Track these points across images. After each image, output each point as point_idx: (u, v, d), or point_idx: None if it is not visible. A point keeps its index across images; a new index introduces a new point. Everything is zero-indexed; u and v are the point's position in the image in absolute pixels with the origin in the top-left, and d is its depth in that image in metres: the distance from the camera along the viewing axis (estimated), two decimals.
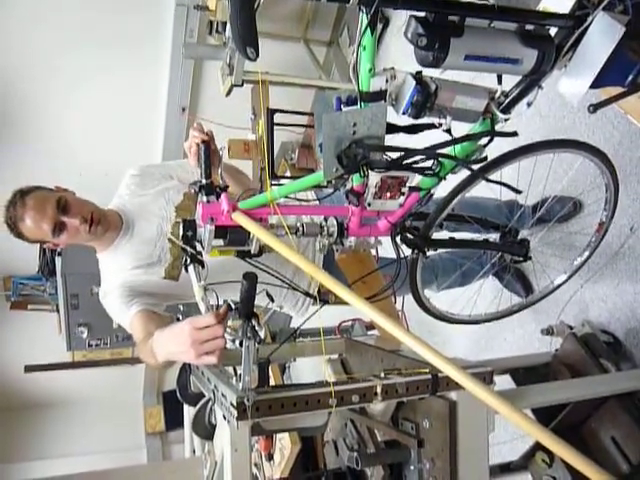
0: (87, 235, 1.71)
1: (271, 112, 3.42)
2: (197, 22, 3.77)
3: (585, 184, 2.13)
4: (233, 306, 1.16)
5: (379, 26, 1.10)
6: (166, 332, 1.28)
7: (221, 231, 1.36)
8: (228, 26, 3.12)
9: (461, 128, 1.31)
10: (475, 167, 1.35)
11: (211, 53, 3.69)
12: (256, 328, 1.10)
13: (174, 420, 5.37)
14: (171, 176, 1.90)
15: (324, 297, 1.63)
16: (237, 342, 1.12)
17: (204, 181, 1.41)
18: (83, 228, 1.68)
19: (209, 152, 1.51)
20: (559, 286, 2.06)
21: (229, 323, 1.16)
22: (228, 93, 3.49)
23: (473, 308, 2.04)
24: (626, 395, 1.63)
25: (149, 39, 3.88)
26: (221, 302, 1.33)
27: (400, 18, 3.48)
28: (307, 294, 1.67)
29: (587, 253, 1.97)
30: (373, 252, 1.80)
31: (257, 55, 1.06)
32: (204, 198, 1.40)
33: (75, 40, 3.68)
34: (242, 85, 3.39)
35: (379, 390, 1.20)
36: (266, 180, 1.99)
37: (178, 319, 4.38)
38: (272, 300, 1.27)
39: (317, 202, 1.87)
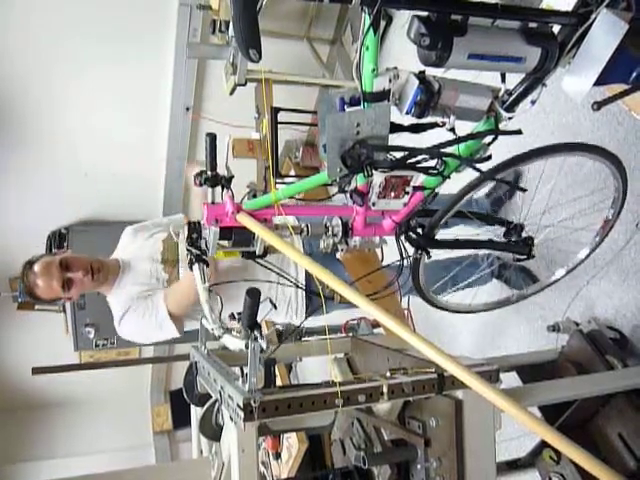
0: (92, 283, 1.97)
1: (275, 111, 3.43)
2: (200, 21, 3.77)
3: (594, 183, 2.12)
4: (236, 316, 1.17)
5: (382, 25, 1.09)
6: None
7: (226, 232, 1.36)
8: (231, 25, 3.13)
9: (465, 127, 1.31)
10: (484, 168, 1.34)
11: (214, 52, 3.68)
12: (258, 339, 1.11)
13: (182, 419, 5.39)
14: (160, 224, 2.23)
15: (328, 295, 1.64)
16: (243, 344, 1.13)
17: (209, 173, 1.41)
18: (87, 278, 1.94)
19: (215, 144, 1.51)
20: (558, 280, 2.06)
21: (235, 326, 1.17)
22: (232, 92, 3.49)
23: (474, 298, 2.04)
24: (633, 392, 1.63)
25: (152, 39, 3.88)
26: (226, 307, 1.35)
27: (403, 16, 3.46)
28: (312, 292, 1.68)
29: (590, 249, 1.98)
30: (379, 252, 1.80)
31: (260, 57, 1.06)
32: (209, 190, 1.41)
33: (78, 39, 3.68)
34: (245, 84, 3.40)
35: (385, 390, 1.20)
36: (270, 179, 1.99)
37: None
38: (275, 307, 1.29)
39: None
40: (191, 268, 1.42)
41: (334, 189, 1.47)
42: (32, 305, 4.52)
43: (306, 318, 1.57)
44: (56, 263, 1.93)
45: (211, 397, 1.37)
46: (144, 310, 1.96)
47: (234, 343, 1.19)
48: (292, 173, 4.21)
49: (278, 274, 1.55)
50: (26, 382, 4.95)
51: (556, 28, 1.18)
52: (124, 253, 2.14)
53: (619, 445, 1.67)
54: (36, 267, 1.94)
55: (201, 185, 1.42)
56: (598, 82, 1.16)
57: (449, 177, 1.36)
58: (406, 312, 2.03)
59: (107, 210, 4.39)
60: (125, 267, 2.06)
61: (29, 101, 3.90)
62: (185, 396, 1.54)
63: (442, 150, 1.27)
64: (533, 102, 1.28)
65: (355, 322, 2.53)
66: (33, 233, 4.14)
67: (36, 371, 3.30)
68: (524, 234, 1.75)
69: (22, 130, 3.97)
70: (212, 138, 1.50)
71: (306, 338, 3.01)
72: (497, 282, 2.42)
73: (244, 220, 1.34)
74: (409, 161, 1.26)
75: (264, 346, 1.12)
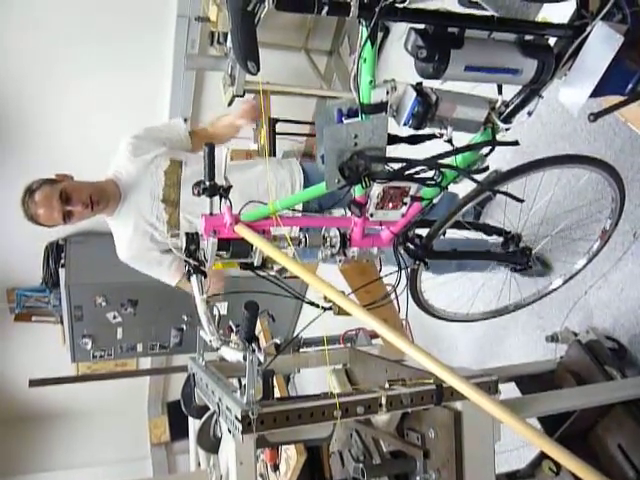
0: (91, 213, 2.00)
1: (273, 121, 3.44)
2: (198, 33, 3.79)
3: (591, 194, 2.13)
4: (234, 328, 1.17)
5: (379, 37, 1.10)
6: None
7: (224, 243, 1.36)
8: (229, 37, 3.14)
9: (462, 138, 1.32)
10: (482, 180, 1.35)
11: (213, 64, 3.70)
12: (256, 351, 1.11)
13: (179, 430, 5.37)
14: (162, 141, 2.12)
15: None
16: (241, 355, 1.13)
17: (207, 182, 1.42)
18: (87, 210, 1.97)
19: (214, 154, 1.51)
20: (555, 289, 2.06)
21: (232, 338, 1.17)
22: (230, 103, 3.50)
23: (471, 307, 2.05)
24: (632, 402, 1.62)
25: (150, 50, 3.89)
26: (223, 312, 1.35)
27: (400, 28, 3.49)
28: (312, 303, 1.67)
29: (588, 259, 1.98)
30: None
31: (258, 69, 1.07)
32: (207, 200, 1.40)
33: (76, 51, 3.69)
34: (243, 95, 3.41)
35: (384, 401, 1.20)
36: (268, 189, 2.00)
37: (181, 329, 4.40)
38: (273, 320, 1.29)
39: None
40: (189, 279, 1.42)
41: None
42: (29, 316, 4.52)
43: (306, 326, 1.55)
44: (56, 195, 1.92)
45: (209, 409, 1.37)
46: (154, 266, 2.05)
47: (232, 355, 1.19)
48: None
49: (278, 285, 1.54)
50: (23, 394, 4.92)
51: (552, 40, 1.18)
52: (123, 174, 2.07)
53: (619, 456, 1.66)
54: (37, 197, 1.94)
55: (199, 195, 1.42)
56: (594, 94, 1.17)
57: (446, 188, 1.37)
58: (404, 322, 2.03)
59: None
60: (126, 195, 2.04)
61: (25, 110, 3.90)
62: (183, 408, 1.53)
63: (440, 161, 1.27)
64: (530, 113, 1.29)
65: (353, 333, 2.53)
66: (30, 244, 4.14)
67: (33, 383, 3.29)
68: (522, 244, 1.76)
69: (20, 140, 3.97)
70: (210, 148, 1.50)
71: (304, 349, 3.00)
72: (493, 291, 2.41)
73: (242, 231, 1.34)
74: (407, 172, 1.26)
75: (262, 358, 1.12)
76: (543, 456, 1.67)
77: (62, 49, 3.69)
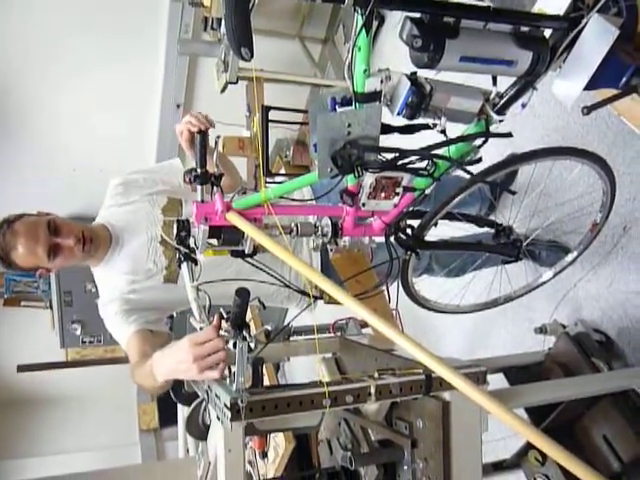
0: (81, 254, 1.69)
1: (266, 109, 3.43)
2: (192, 18, 3.76)
3: (582, 187, 2.14)
4: (225, 315, 1.17)
5: (374, 25, 1.09)
6: (167, 351, 1.27)
7: (215, 231, 1.36)
8: (223, 23, 3.12)
9: (456, 129, 1.32)
10: (473, 170, 1.34)
11: (206, 49, 3.68)
12: (247, 339, 1.11)
13: (168, 417, 5.37)
14: (155, 181, 1.89)
15: (316, 294, 1.64)
16: (231, 343, 1.13)
17: (199, 170, 1.41)
18: (77, 248, 1.67)
19: (205, 142, 1.50)
20: (545, 282, 2.07)
21: (223, 325, 1.17)
22: (223, 90, 3.48)
23: (462, 299, 2.06)
24: (618, 394, 1.64)
25: (143, 35, 3.87)
26: (213, 303, 1.34)
27: (395, 17, 3.47)
28: (302, 292, 1.67)
29: (578, 252, 1.99)
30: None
31: (252, 55, 1.06)
32: (198, 188, 1.39)
33: (69, 36, 3.67)
34: (237, 82, 3.39)
35: (373, 391, 1.20)
36: (260, 178, 1.99)
37: (171, 316, 4.39)
38: (264, 307, 1.28)
39: (313, 200, 1.88)
40: (179, 266, 1.41)
41: None
42: (18, 301, 4.50)
43: (296, 316, 1.56)
44: (43, 225, 1.63)
45: (198, 396, 1.37)
46: (120, 320, 1.70)
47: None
48: (282, 172, 4.20)
49: (268, 273, 1.54)
50: (11, 379, 4.91)
51: (547, 32, 1.18)
52: (113, 217, 1.81)
53: (604, 447, 1.68)
54: (18, 226, 1.63)
55: (190, 183, 1.42)
56: (588, 87, 1.17)
57: (439, 179, 1.37)
58: (394, 312, 2.03)
59: (94, 206, 4.38)
60: (117, 239, 1.76)
61: (19, 94, 3.87)
62: (172, 395, 1.53)
63: (433, 152, 1.27)
64: (524, 105, 1.29)
65: (343, 322, 2.53)
66: None
67: (21, 369, 3.28)
68: (513, 236, 1.76)
69: (12, 125, 3.94)
70: (203, 135, 1.49)
71: (294, 338, 3.01)
72: (484, 283, 2.42)
73: (234, 219, 1.34)
74: (399, 162, 1.26)
75: (252, 345, 1.12)
76: (529, 446, 1.69)
77: (61, 48, 3.70)
